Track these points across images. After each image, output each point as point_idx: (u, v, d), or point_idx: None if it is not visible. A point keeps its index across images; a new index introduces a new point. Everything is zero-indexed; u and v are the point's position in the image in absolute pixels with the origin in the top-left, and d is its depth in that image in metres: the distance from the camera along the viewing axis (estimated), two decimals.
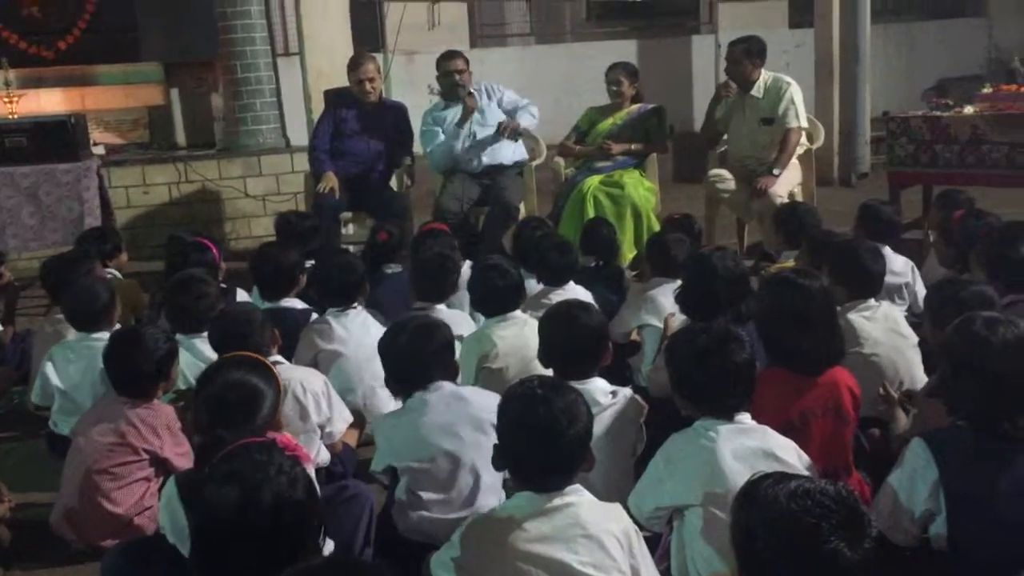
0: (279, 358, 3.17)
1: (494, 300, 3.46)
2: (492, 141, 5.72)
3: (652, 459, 2.39)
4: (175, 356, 3.03)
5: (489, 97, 5.81)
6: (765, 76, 5.67)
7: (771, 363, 2.68)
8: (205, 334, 3.33)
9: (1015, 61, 6.66)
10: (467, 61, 5.80)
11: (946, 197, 4.62)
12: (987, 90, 6.28)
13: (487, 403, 2.65)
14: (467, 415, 2.64)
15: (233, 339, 2.95)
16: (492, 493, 2.62)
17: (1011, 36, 10.84)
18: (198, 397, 2.37)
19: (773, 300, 2.79)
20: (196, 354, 3.33)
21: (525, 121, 5.74)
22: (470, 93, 5.67)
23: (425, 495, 2.61)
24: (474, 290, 3.58)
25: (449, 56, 5.80)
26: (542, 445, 2.05)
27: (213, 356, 3.09)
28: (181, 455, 2.83)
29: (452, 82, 5.70)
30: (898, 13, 11.19)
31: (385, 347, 2.81)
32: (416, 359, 2.72)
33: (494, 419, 2.55)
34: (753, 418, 2.36)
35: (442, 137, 5.75)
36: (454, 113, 5.75)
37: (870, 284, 3.35)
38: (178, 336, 3.32)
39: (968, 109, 5.95)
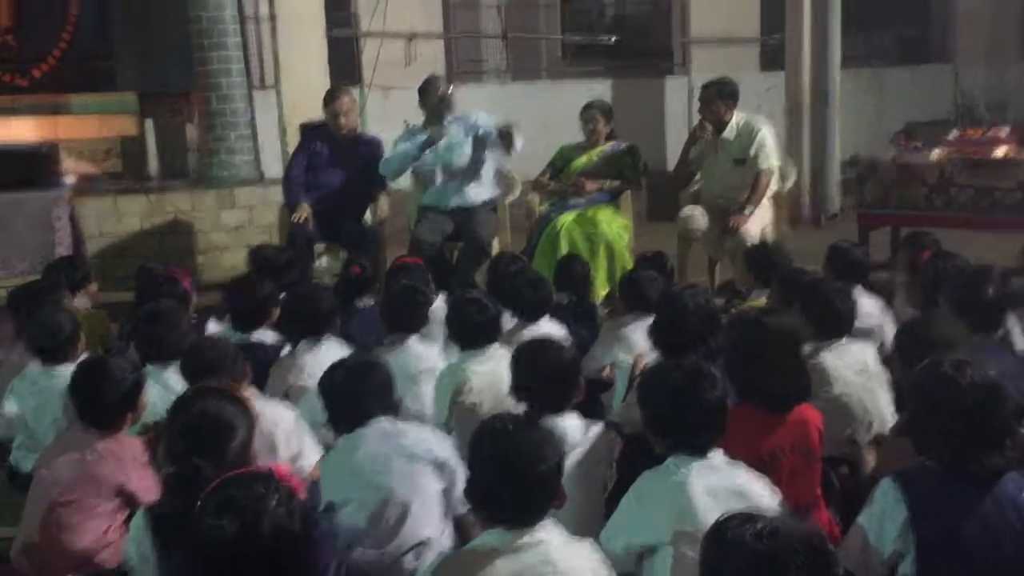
0: (252, 390, 3.14)
1: (470, 334, 3.47)
2: (464, 182, 5.69)
3: (624, 497, 2.38)
4: (142, 387, 2.99)
5: (465, 133, 5.74)
6: (738, 117, 5.75)
7: (740, 400, 2.70)
8: (175, 366, 3.30)
9: (981, 107, 6.80)
10: (449, 84, 5.74)
11: (913, 238, 4.68)
12: (954, 135, 6.40)
13: (423, 436, 2.70)
14: (399, 446, 2.65)
15: (206, 371, 2.93)
16: (425, 525, 2.62)
17: (977, 82, 11.07)
18: (171, 426, 2.34)
19: (740, 338, 2.83)
20: (166, 386, 3.28)
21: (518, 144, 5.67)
22: (443, 124, 5.56)
23: (357, 528, 2.61)
24: (451, 323, 3.59)
25: (431, 81, 5.74)
26: (514, 482, 2.04)
27: (183, 388, 3.06)
28: (148, 489, 2.77)
29: (437, 100, 5.60)
30: (868, 58, 11.41)
31: (323, 386, 2.82)
32: (353, 397, 2.74)
33: (430, 451, 2.63)
34: (726, 454, 2.37)
35: (405, 147, 5.64)
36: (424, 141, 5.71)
37: (839, 324, 3.38)
38: (148, 367, 3.29)
39: (936, 152, 6.06)
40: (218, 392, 2.45)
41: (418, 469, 2.62)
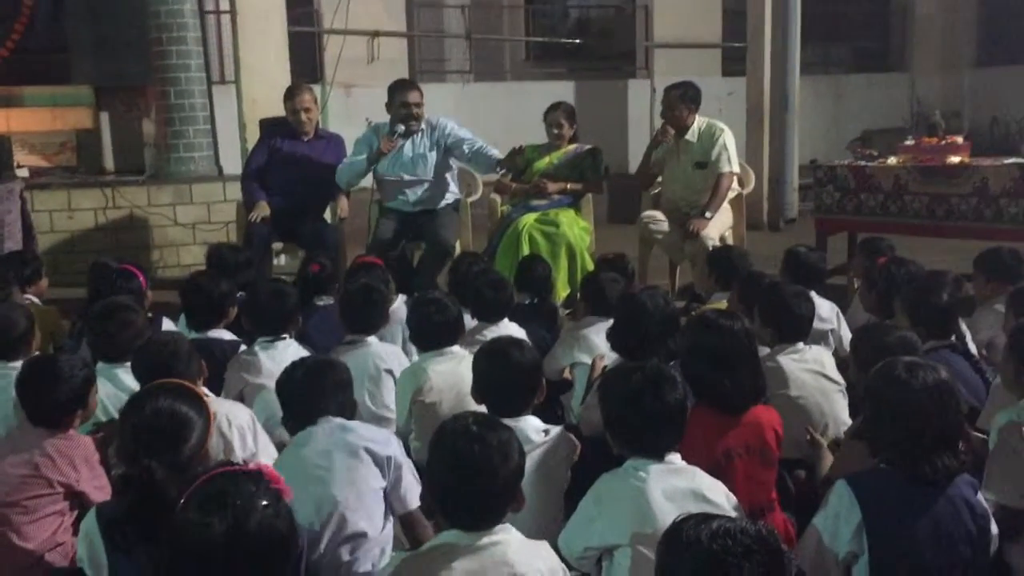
0: (205, 390, 3.09)
1: (431, 334, 3.46)
2: (427, 186, 5.67)
3: (583, 499, 2.38)
4: (92, 383, 2.92)
5: (429, 138, 5.68)
6: (700, 121, 5.79)
7: (697, 402, 2.71)
8: (128, 364, 3.25)
9: (936, 115, 6.91)
10: (422, 94, 5.67)
11: (869, 244, 4.74)
12: (910, 142, 6.49)
13: (371, 435, 2.68)
14: (344, 442, 2.63)
15: (158, 369, 2.87)
16: (360, 518, 2.59)
17: (933, 91, 11.30)
18: (123, 424, 2.28)
19: (695, 340, 2.85)
20: (118, 384, 3.21)
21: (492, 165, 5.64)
22: (395, 137, 5.50)
23: (301, 524, 2.58)
24: (411, 323, 3.57)
25: (405, 87, 5.67)
26: (474, 483, 2.02)
27: (136, 387, 3.00)
28: (99, 488, 2.72)
29: (407, 115, 5.56)
30: (826, 66, 11.58)
31: (280, 384, 2.81)
32: (309, 396, 2.72)
33: (374, 448, 2.62)
34: (683, 457, 2.38)
35: (361, 157, 5.60)
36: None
37: (798, 327, 3.40)
38: (100, 365, 3.22)
39: (892, 160, 6.15)
40: (173, 389, 2.39)
41: (357, 464, 2.61)
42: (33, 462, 2.73)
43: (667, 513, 2.18)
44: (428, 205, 5.71)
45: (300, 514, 2.53)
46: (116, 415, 2.49)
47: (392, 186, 5.70)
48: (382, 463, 2.66)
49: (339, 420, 2.71)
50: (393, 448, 2.71)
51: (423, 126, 5.67)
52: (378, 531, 2.64)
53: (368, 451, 2.64)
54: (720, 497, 2.32)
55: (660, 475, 2.29)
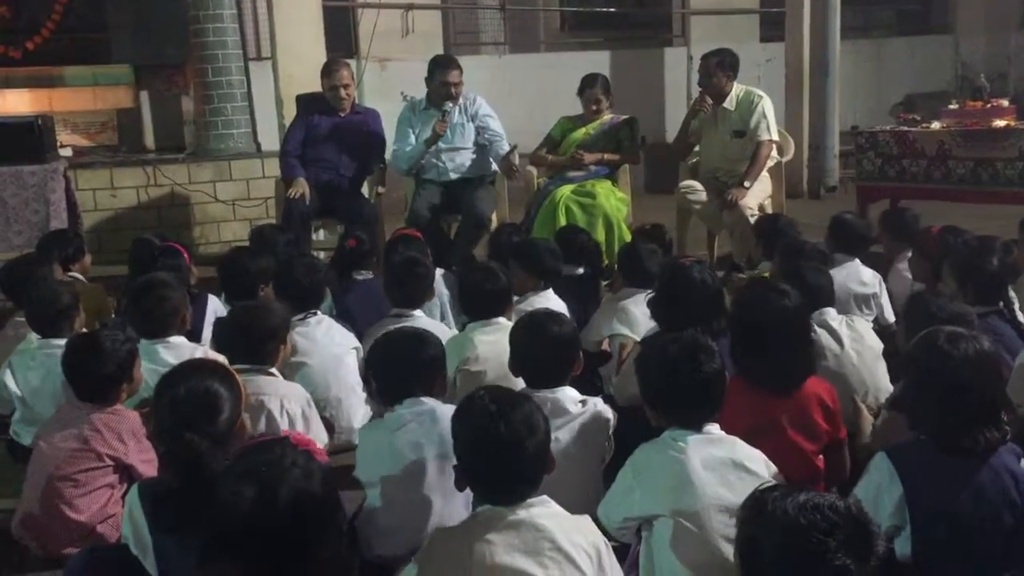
0: (274, 370, 3.12)
1: (481, 303, 3.44)
2: (462, 155, 5.70)
3: (621, 469, 2.38)
4: (136, 357, 2.97)
5: (464, 113, 5.72)
6: (737, 89, 5.71)
7: (743, 378, 2.69)
8: (169, 340, 3.29)
9: (981, 78, 6.76)
10: (462, 71, 5.69)
11: (895, 216, 4.70)
12: (954, 106, 6.37)
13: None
14: (436, 435, 2.59)
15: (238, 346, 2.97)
16: (448, 519, 2.55)
17: (977, 53, 11.02)
18: (157, 403, 2.30)
19: (744, 317, 2.79)
20: (158, 361, 3.22)
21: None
22: (444, 116, 5.56)
23: (385, 513, 2.59)
24: (461, 291, 3.56)
25: (446, 65, 5.69)
26: (504, 460, 2.03)
27: (175, 362, 3.05)
28: (146, 462, 2.78)
29: (446, 93, 5.60)
30: (867, 29, 11.35)
31: (372, 357, 2.79)
32: (402, 371, 2.69)
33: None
34: (722, 427, 2.37)
35: (412, 142, 5.69)
36: (424, 119, 5.69)
37: (819, 295, 3.33)
38: (142, 342, 3.26)
39: (935, 125, 6.04)
40: (203, 366, 2.42)
41: (445, 463, 2.52)
42: (83, 436, 2.80)
43: (706, 483, 2.19)
44: (467, 174, 5.72)
45: (388, 504, 2.55)
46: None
47: (430, 156, 5.71)
48: None
49: (429, 404, 2.66)
50: None
51: (460, 101, 5.70)
52: None
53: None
54: (760, 466, 2.30)
55: (698, 445, 2.28)
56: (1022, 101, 6.97)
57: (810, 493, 1.65)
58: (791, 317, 2.73)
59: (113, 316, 4.30)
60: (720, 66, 5.66)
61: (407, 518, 2.57)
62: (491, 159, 5.74)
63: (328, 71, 5.75)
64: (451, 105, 5.59)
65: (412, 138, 5.71)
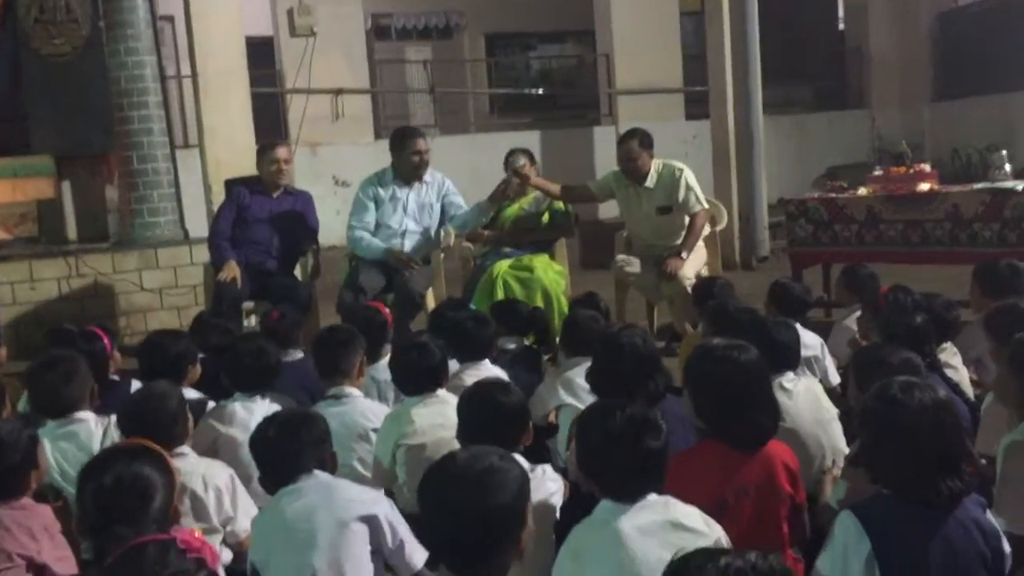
0: (186, 449, 2.97)
1: (415, 380, 3.37)
2: (422, 238, 5.65)
3: (560, 552, 2.27)
4: (37, 442, 2.75)
5: (436, 193, 5.69)
6: (656, 164, 5.70)
7: (706, 437, 2.61)
8: (78, 416, 3.10)
9: (903, 144, 6.98)
10: (427, 139, 5.65)
11: (850, 272, 4.74)
12: (878, 172, 6.54)
13: (358, 494, 2.59)
14: (330, 502, 2.52)
15: (141, 421, 2.77)
16: None
17: (894, 126, 11.46)
18: (82, 493, 2.14)
19: (704, 373, 2.70)
20: (72, 442, 3.04)
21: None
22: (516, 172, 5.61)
23: None
24: (394, 368, 3.48)
25: (413, 135, 5.64)
26: (468, 529, 1.89)
27: (91, 444, 2.87)
28: (61, 559, 2.56)
29: (418, 162, 5.53)
30: (787, 106, 11.74)
31: (255, 442, 2.69)
32: (286, 453, 2.61)
33: (362, 508, 2.52)
34: (683, 495, 2.27)
35: (370, 221, 5.56)
36: (392, 193, 5.60)
37: (786, 357, 3.32)
38: (47, 423, 3.07)
39: (862, 190, 6.18)
40: (132, 451, 2.26)
41: (342, 528, 2.48)
42: None
43: (647, 550, 2.12)
44: (413, 253, 5.61)
45: None
46: (73, 474, 2.33)
47: (389, 234, 5.61)
48: (373, 524, 2.53)
49: (325, 477, 2.60)
50: (383, 507, 2.59)
51: (428, 177, 5.65)
52: None
53: (355, 512, 2.52)
54: (698, 522, 2.23)
55: (631, 514, 2.20)
56: (938, 170, 7.19)
57: (732, 555, 1.59)
58: (757, 370, 2.67)
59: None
60: (642, 145, 5.65)
61: None
62: (468, 225, 5.71)
63: (265, 149, 5.72)
64: (516, 183, 5.63)
65: (371, 216, 5.58)
